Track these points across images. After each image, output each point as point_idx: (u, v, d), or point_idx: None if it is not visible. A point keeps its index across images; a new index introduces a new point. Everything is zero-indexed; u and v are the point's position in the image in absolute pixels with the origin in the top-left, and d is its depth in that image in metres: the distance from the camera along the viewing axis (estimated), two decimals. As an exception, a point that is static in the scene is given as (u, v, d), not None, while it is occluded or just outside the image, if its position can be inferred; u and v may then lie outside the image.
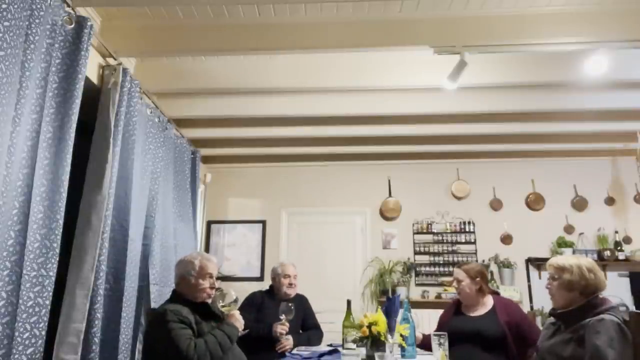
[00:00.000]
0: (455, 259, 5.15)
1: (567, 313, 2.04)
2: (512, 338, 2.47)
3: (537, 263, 5.03)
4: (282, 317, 2.75)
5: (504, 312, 2.56)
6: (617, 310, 1.97)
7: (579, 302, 2.02)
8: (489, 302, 2.65)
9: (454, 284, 2.71)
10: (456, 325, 2.56)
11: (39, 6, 1.92)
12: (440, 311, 2.92)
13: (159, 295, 3.17)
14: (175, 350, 2.08)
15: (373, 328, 2.31)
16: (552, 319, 2.19)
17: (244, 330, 2.46)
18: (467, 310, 2.69)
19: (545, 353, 2.09)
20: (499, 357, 2.46)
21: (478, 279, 2.63)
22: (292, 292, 3.26)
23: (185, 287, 2.39)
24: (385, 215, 5.40)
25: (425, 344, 2.62)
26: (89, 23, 2.30)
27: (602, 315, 1.92)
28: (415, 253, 5.25)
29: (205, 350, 2.12)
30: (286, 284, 3.24)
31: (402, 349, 2.45)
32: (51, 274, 2.02)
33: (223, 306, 2.45)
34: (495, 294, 2.77)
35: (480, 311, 2.63)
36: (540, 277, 5.00)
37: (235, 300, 2.48)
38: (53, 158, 2.08)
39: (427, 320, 3.14)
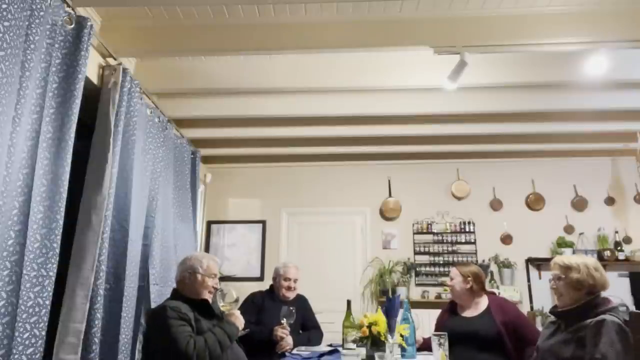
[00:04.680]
0: (455, 259, 5.15)
1: (568, 312, 2.04)
2: (509, 337, 2.48)
3: (537, 263, 5.03)
4: (283, 321, 2.74)
5: (499, 312, 2.57)
6: (617, 311, 1.97)
7: (582, 301, 2.02)
8: (483, 302, 2.67)
9: (448, 281, 2.81)
10: (452, 326, 2.57)
11: (39, 6, 1.92)
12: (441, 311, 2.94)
13: (159, 295, 3.17)
14: (175, 348, 2.09)
15: (373, 328, 2.31)
16: (552, 318, 2.19)
17: (244, 329, 2.47)
18: (462, 311, 2.71)
19: (545, 353, 2.09)
20: (496, 357, 2.47)
21: (469, 278, 2.68)
22: (290, 296, 3.25)
23: (190, 285, 2.42)
24: (385, 215, 5.40)
25: (425, 348, 2.63)
26: (89, 23, 2.30)
27: (603, 316, 1.91)
28: (415, 253, 5.25)
29: (204, 349, 2.13)
30: (285, 286, 3.23)
31: (402, 349, 2.45)
32: (51, 274, 2.01)
33: (223, 305, 2.46)
34: (491, 294, 2.79)
35: (475, 312, 2.65)
36: (540, 277, 5.00)
37: (236, 300, 2.50)
38: (53, 158, 2.08)
39: (427, 321, 3.13)
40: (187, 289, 2.42)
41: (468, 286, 2.67)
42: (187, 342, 2.10)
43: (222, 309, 2.45)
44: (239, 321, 2.43)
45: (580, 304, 2.01)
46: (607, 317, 1.91)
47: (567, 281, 2.06)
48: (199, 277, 2.42)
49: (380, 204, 5.45)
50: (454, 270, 2.77)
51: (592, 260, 2.10)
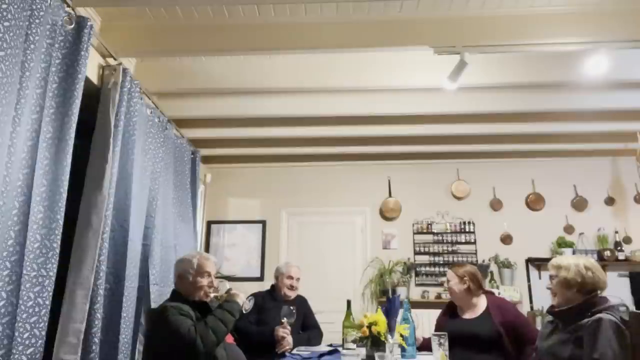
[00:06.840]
0: (455, 259, 5.15)
1: (565, 311, 2.04)
2: (509, 338, 2.48)
3: (537, 263, 5.03)
4: (284, 320, 2.74)
5: (498, 313, 2.57)
6: (615, 310, 1.96)
7: (577, 300, 2.02)
8: (482, 303, 2.67)
9: (445, 284, 2.83)
10: (452, 329, 2.56)
11: (39, 6, 1.92)
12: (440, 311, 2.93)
13: (159, 295, 3.17)
14: (178, 337, 2.06)
15: (373, 328, 2.31)
16: (550, 317, 2.19)
17: (248, 298, 2.44)
18: (462, 312, 2.71)
19: (543, 353, 2.09)
20: (496, 358, 2.47)
21: (465, 278, 2.68)
22: (291, 294, 3.26)
23: (184, 286, 2.39)
24: (385, 215, 5.40)
25: (425, 347, 2.63)
26: (89, 23, 2.30)
27: (599, 315, 1.91)
28: (415, 253, 5.25)
29: (206, 330, 2.11)
30: (287, 285, 3.25)
31: (402, 349, 2.45)
32: (51, 274, 2.02)
33: (216, 297, 2.45)
34: (490, 293, 2.79)
35: (475, 313, 2.65)
36: (540, 277, 5.00)
37: (229, 290, 2.48)
38: (53, 158, 2.08)
39: (427, 321, 3.13)
40: (184, 290, 2.40)
41: (465, 286, 2.67)
42: (188, 329, 2.09)
43: (216, 300, 2.43)
44: (238, 297, 2.40)
45: (578, 304, 2.01)
46: (604, 316, 1.90)
47: (558, 280, 2.09)
48: (190, 278, 2.38)
49: (380, 204, 5.45)
50: (449, 273, 2.77)
51: (586, 261, 2.10)
